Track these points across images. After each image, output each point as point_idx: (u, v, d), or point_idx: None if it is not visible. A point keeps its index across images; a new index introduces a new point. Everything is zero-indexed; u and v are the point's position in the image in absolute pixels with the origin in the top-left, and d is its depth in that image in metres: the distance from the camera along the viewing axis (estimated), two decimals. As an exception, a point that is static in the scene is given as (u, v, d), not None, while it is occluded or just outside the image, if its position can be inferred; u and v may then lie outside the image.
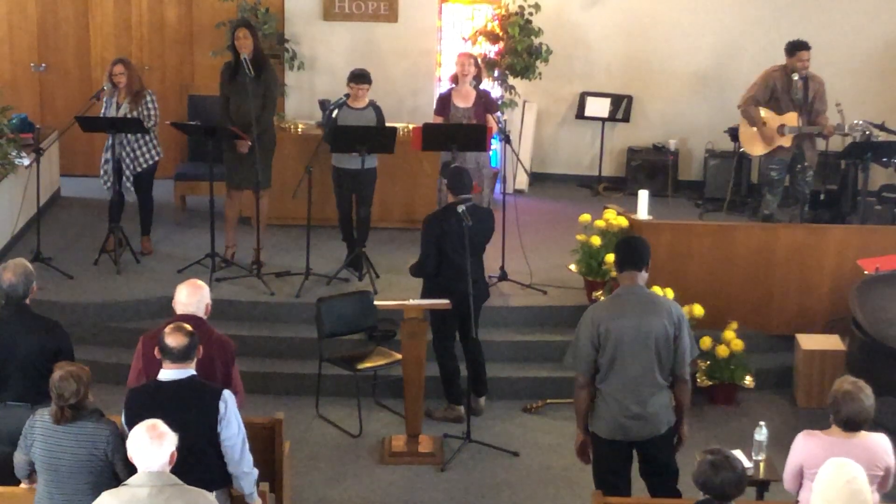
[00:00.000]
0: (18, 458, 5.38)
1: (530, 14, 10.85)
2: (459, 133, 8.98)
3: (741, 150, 10.62)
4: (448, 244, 7.56)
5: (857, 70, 11.28)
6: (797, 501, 5.42)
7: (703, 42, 11.53)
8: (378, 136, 8.95)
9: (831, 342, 8.34)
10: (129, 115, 9.14)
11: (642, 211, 8.99)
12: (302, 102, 11.05)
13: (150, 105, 9.26)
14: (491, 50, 11.02)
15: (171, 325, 5.35)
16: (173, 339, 5.26)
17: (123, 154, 9.21)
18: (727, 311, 8.45)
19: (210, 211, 8.94)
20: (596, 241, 8.72)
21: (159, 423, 4.66)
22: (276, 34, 10.87)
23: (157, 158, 9.43)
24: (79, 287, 8.94)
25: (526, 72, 10.88)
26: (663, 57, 11.59)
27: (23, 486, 5.50)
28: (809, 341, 8.37)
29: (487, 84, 10.58)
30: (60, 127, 10.41)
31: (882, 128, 10.24)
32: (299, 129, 10.40)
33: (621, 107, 11.62)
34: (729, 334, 8.26)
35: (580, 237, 8.88)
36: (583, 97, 11.64)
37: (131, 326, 8.46)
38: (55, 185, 10.94)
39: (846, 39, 11.27)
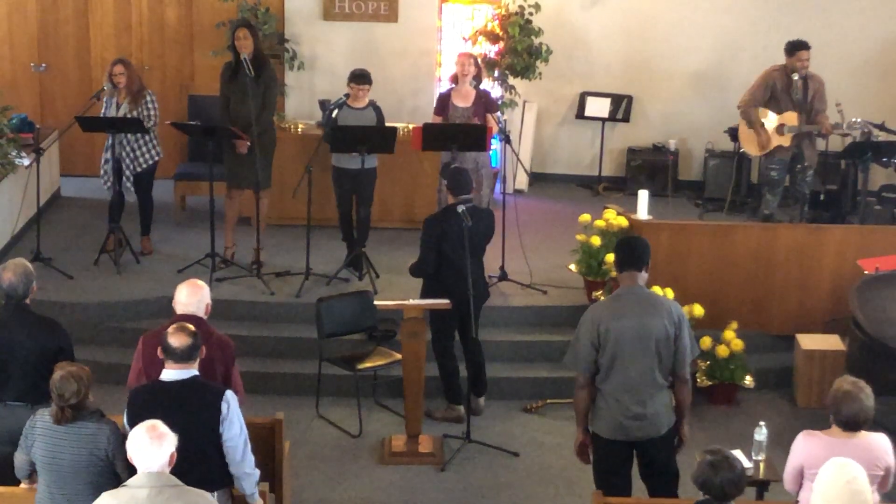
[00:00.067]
0: (19, 458, 5.38)
1: (530, 14, 10.85)
2: (459, 133, 8.98)
3: (741, 150, 10.62)
4: (448, 245, 7.57)
5: (857, 70, 11.28)
6: (797, 501, 5.42)
7: (703, 42, 11.53)
8: (378, 136, 8.95)
9: (831, 342, 8.34)
10: (129, 115, 9.15)
11: (642, 211, 8.98)
12: (302, 102, 11.05)
13: (150, 105, 9.26)
14: (491, 50, 11.02)
15: (175, 326, 5.36)
16: (176, 340, 5.26)
17: (123, 154, 9.21)
18: (727, 311, 8.45)
19: (210, 211, 8.94)
20: (596, 241, 8.72)
21: (159, 424, 4.66)
22: (276, 34, 10.87)
23: (157, 158, 9.44)
24: (79, 287, 8.94)
25: (526, 72, 10.88)
26: (663, 57, 11.59)
27: (23, 486, 5.51)
28: (809, 341, 8.37)
29: (487, 84, 10.58)
30: (60, 127, 10.41)
31: (882, 128, 10.23)
32: (299, 129, 10.40)
33: (621, 107, 11.62)
34: (729, 334, 8.26)
35: (580, 237, 8.88)
36: (583, 97, 11.65)
37: (131, 326, 8.46)
38: (55, 185, 10.94)
39: (846, 39, 11.27)
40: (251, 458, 5.37)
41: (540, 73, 10.98)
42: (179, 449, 4.70)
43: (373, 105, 9.21)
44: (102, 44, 11.50)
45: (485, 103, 9.39)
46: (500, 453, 7.61)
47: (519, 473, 7.44)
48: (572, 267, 8.94)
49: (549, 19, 11.03)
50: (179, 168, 10.69)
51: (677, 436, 6.06)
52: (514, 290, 8.99)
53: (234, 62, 9.14)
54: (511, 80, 10.97)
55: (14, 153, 9.43)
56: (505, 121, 10.05)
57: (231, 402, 5.27)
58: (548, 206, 11.17)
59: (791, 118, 9.77)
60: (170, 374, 5.29)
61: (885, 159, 10.16)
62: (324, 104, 10.15)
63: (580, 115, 11.69)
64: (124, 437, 4.94)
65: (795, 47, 9.73)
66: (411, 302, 7.53)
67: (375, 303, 7.89)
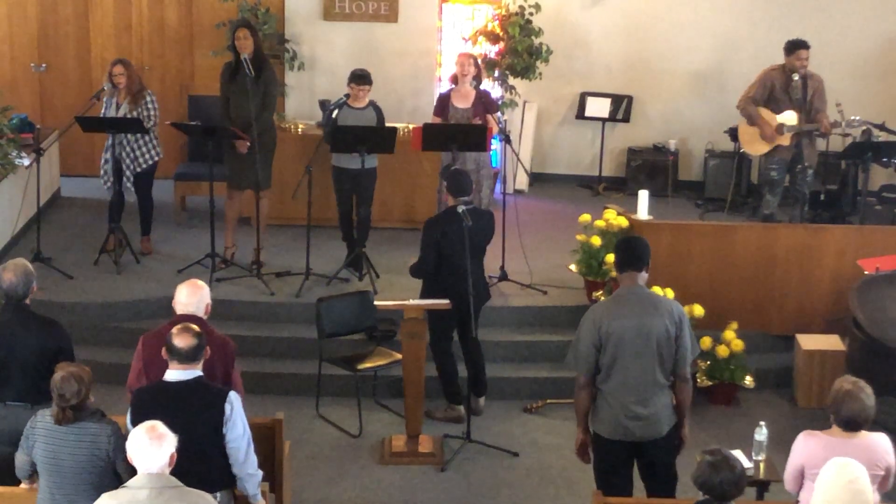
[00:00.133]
0: (20, 458, 5.38)
1: (530, 14, 10.85)
2: (459, 133, 8.97)
3: (741, 150, 10.62)
4: (448, 246, 7.57)
5: (857, 70, 11.28)
6: (797, 502, 5.42)
7: (704, 42, 11.53)
8: (378, 136, 8.95)
9: (831, 342, 8.35)
10: (129, 116, 9.15)
11: (642, 211, 8.99)
12: (302, 102, 11.05)
13: (149, 105, 9.26)
14: (491, 50, 11.02)
15: (180, 327, 5.35)
16: (181, 340, 5.26)
17: (123, 154, 9.21)
18: (727, 311, 8.45)
19: (210, 211, 8.94)
20: (596, 241, 8.72)
21: (158, 425, 4.65)
22: (276, 34, 10.87)
23: (156, 158, 9.44)
24: (79, 287, 8.94)
25: (526, 72, 10.88)
26: (663, 57, 11.59)
27: (23, 486, 5.51)
28: (809, 341, 8.37)
29: (487, 84, 10.58)
30: (60, 127, 10.41)
31: (882, 128, 10.23)
32: (299, 129, 10.40)
33: (621, 107, 11.62)
34: (729, 334, 8.26)
35: (580, 237, 8.88)
36: (583, 97, 11.65)
37: (131, 326, 8.46)
38: (55, 185, 10.94)
39: (846, 39, 11.27)
40: (254, 459, 5.37)
41: (540, 74, 10.98)
42: (183, 449, 4.70)
43: (373, 105, 9.21)
44: (102, 44, 11.50)
45: (485, 103, 9.39)
46: (500, 453, 7.61)
47: (519, 473, 7.44)
48: (572, 267, 8.94)
49: (549, 19, 11.04)
50: (179, 168, 10.69)
51: (678, 437, 6.06)
52: (514, 291, 8.99)
53: (234, 62, 9.14)
54: (511, 81, 10.97)
55: (14, 153, 9.43)
56: (505, 121, 10.05)
57: (235, 404, 5.27)
58: (548, 206, 11.17)
59: (790, 117, 9.76)
60: (174, 374, 5.28)
61: (885, 159, 10.16)
62: (324, 104, 10.15)
63: (580, 115, 11.69)
64: (126, 437, 4.94)
65: (794, 46, 9.73)
66: (411, 302, 7.53)
67: (375, 303, 7.89)
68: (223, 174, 9.30)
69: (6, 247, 9.46)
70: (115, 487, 4.74)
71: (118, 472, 5.20)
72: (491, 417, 8.07)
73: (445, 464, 7.47)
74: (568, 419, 7.61)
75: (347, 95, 9.12)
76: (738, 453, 5.61)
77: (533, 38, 10.83)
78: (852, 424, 5.24)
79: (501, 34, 10.93)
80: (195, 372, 5.29)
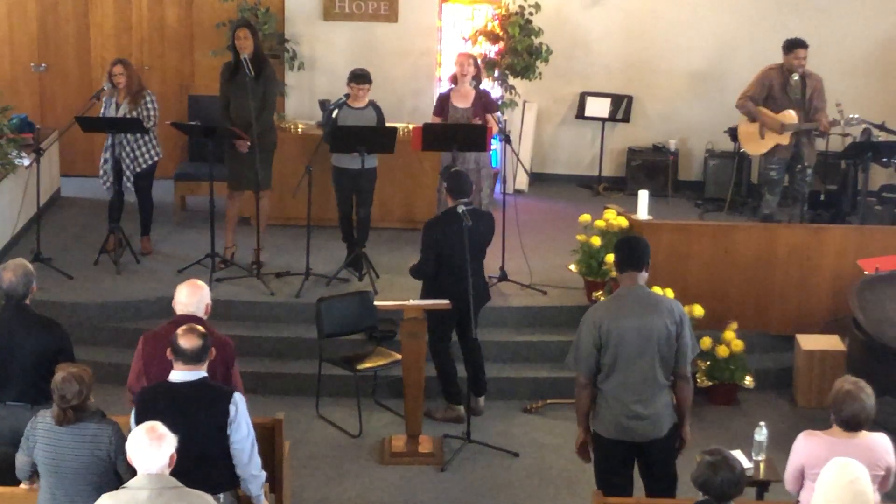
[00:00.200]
0: (20, 459, 5.38)
1: (530, 14, 10.85)
2: (459, 133, 8.97)
3: (741, 150, 10.62)
4: (448, 247, 7.56)
5: (857, 70, 11.27)
6: (798, 502, 5.42)
7: (703, 42, 11.53)
8: (378, 136, 8.95)
9: (831, 342, 8.34)
10: (128, 116, 9.15)
11: (642, 211, 8.98)
12: (302, 102, 11.05)
13: (149, 105, 9.26)
14: (491, 50, 11.02)
15: (185, 327, 5.33)
16: (186, 341, 5.25)
17: (123, 154, 9.21)
18: (727, 311, 8.45)
19: (210, 211, 8.93)
20: (596, 241, 8.72)
21: (158, 425, 4.64)
22: (276, 34, 10.87)
23: (156, 158, 9.43)
24: (79, 287, 8.94)
25: (526, 72, 10.88)
26: (663, 57, 11.58)
27: (23, 486, 5.51)
28: (809, 341, 8.37)
29: (487, 84, 10.58)
30: (60, 127, 10.41)
31: (882, 127, 10.23)
32: (299, 129, 10.40)
33: (621, 107, 11.62)
34: (729, 334, 8.26)
35: (580, 237, 8.88)
36: (583, 97, 11.64)
37: (131, 326, 8.46)
38: (55, 185, 10.94)
39: (846, 39, 11.26)
40: (258, 460, 5.37)
41: (540, 73, 10.98)
42: (187, 450, 4.70)
43: (373, 105, 9.21)
44: (102, 44, 11.50)
45: (484, 103, 9.38)
46: (500, 453, 7.61)
47: (519, 473, 7.44)
48: (572, 267, 8.94)
49: (549, 19, 11.04)
50: (179, 168, 10.69)
51: (678, 436, 6.06)
52: (514, 291, 8.99)
53: (234, 62, 9.14)
54: (511, 80, 10.97)
55: (14, 153, 9.43)
56: (505, 121, 10.05)
57: (239, 405, 5.26)
58: (548, 206, 11.17)
59: (789, 117, 9.76)
60: (178, 375, 5.27)
61: (885, 159, 10.16)
62: (324, 104, 10.15)
63: (580, 115, 11.68)
64: (127, 438, 4.94)
65: (792, 45, 9.73)
66: (411, 302, 7.53)
67: (375, 303, 7.89)
68: (223, 174, 9.29)
69: (6, 247, 9.46)
70: (116, 488, 4.73)
71: (119, 472, 5.20)
72: (491, 417, 8.07)
73: (445, 464, 7.47)
74: (568, 419, 7.61)
75: (347, 95, 9.12)
76: (738, 453, 5.61)
77: (533, 37, 10.83)
78: (853, 424, 5.24)
79: (501, 34, 10.93)
80: (200, 373, 5.28)
